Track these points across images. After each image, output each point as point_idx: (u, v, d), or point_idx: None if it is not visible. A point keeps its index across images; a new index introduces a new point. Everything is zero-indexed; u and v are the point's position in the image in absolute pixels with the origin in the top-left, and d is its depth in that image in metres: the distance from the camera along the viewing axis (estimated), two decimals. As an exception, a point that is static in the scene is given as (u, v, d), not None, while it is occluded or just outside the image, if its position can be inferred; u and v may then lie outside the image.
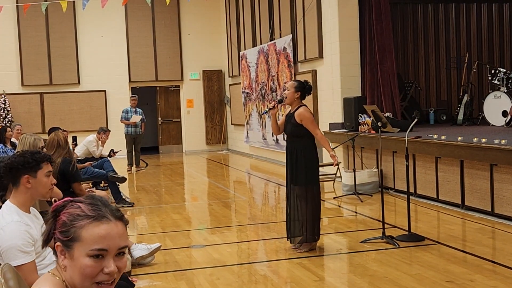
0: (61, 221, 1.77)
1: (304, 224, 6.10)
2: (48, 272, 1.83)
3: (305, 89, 6.12)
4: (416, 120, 6.57)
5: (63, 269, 1.79)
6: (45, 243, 1.82)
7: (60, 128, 8.35)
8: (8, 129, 10.42)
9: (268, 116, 6.32)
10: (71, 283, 1.77)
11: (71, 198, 1.83)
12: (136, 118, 14.35)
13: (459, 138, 7.77)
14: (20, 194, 3.27)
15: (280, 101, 6.28)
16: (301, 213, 6.08)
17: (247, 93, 16.19)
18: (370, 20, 10.90)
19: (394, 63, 11.03)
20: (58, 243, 1.77)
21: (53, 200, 5.17)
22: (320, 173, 10.75)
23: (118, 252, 1.76)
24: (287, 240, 6.31)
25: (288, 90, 6.09)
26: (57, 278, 1.79)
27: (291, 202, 6.17)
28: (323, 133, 6.27)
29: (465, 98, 11.19)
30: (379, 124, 6.92)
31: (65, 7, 13.33)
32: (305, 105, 6.16)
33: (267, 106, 7.05)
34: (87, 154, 10.78)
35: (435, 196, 8.40)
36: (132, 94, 16.31)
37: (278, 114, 6.23)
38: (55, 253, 1.81)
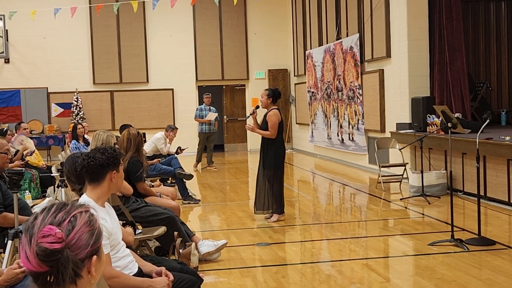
0: (83, 239, 1.52)
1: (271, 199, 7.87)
2: None
3: (275, 95, 7.87)
4: (488, 121, 6.41)
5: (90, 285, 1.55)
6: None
7: (131, 125, 8.58)
8: (79, 126, 10.77)
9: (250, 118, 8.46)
10: None
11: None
12: (212, 116, 14.31)
13: (533, 140, 7.51)
14: (101, 189, 3.37)
15: (257, 107, 8.08)
16: (267, 191, 7.87)
17: (312, 92, 16.15)
18: (440, 18, 10.67)
19: (465, 62, 10.76)
20: (93, 257, 1.54)
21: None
22: (386, 174, 10.67)
23: None
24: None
25: (262, 98, 7.82)
26: None
27: (259, 182, 7.98)
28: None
29: (540, 99, 10.79)
30: (449, 125, 6.76)
31: (136, 8, 13.69)
32: (276, 109, 7.82)
33: (249, 112, 9.30)
34: (155, 151, 11.03)
35: (507, 200, 8.14)
36: (204, 92, 16.47)
37: (256, 119, 8.24)
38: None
